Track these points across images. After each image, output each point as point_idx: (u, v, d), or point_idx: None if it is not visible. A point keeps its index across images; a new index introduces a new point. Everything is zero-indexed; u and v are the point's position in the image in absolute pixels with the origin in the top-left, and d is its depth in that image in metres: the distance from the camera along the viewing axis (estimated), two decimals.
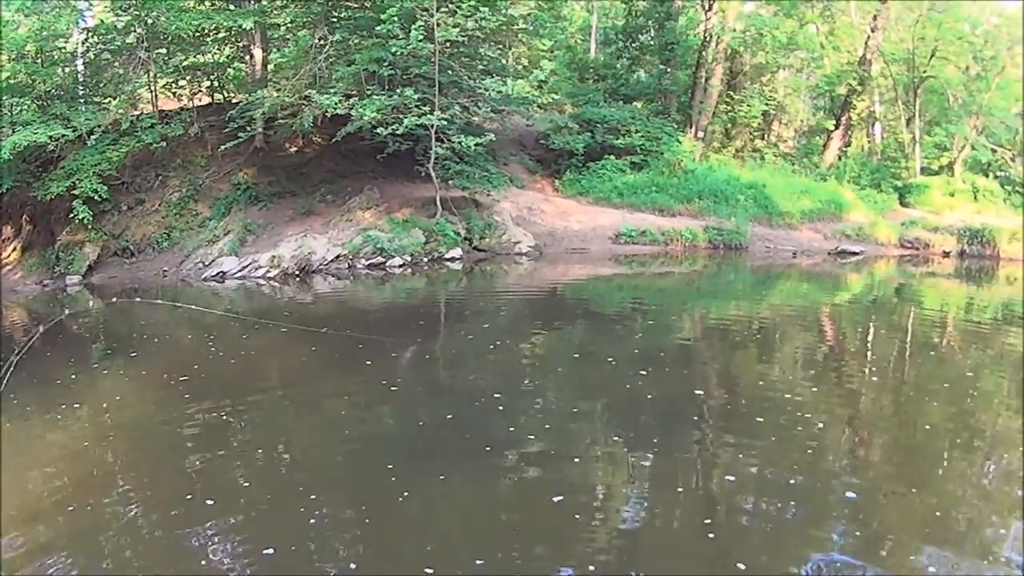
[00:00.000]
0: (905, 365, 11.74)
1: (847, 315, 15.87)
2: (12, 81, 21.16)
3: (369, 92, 19.74)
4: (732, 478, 7.36)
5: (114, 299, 17.95)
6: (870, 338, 13.69)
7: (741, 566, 5.78)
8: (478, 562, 5.93)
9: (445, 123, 19.53)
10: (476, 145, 19.65)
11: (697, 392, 10.04)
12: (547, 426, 8.75)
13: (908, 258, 23.15)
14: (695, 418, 9.03)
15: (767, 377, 10.88)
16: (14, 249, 21.85)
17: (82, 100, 22.74)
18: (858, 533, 6.20)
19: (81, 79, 23.37)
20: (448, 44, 19.72)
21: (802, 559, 5.93)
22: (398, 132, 19.15)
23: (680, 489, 7.16)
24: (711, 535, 6.37)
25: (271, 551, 6.23)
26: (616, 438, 8.54)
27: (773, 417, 8.75)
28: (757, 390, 10.16)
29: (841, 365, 11.74)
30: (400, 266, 19.58)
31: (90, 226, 20.16)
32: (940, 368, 11.36)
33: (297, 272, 18.85)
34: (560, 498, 6.88)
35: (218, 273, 18.90)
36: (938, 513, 6.46)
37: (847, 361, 12.04)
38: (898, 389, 10.43)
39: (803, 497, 6.84)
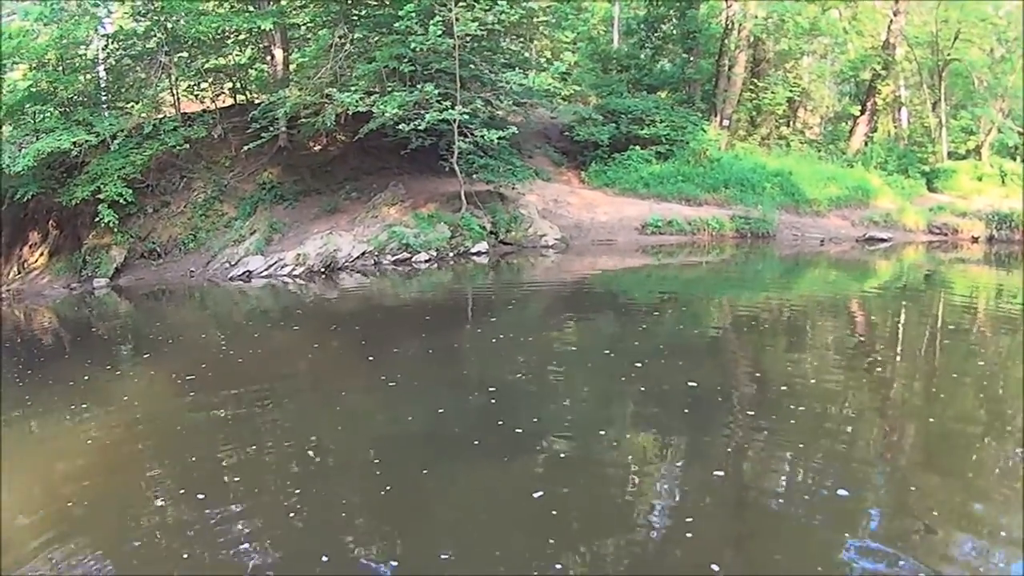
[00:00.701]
0: (936, 352, 11.54)
1: (876, 303, 15.66)
2: (34, 89, 21.31)
3: (390, 88, 19.72)
4: (763, 465, 7.35)
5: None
6: (900, 326, 13.51)
7: (777, 556, 5.78)
8: (507, 551, 5.94)
9: (467, 117, 19.44)
10: (499, 139, 19.56)
11: (728, 381, 10.03)
12: (577, 417, 8.71)
13: (937, 244, 22.85)
14: (726, 407, 8.96)
15: (797, 365, 10.79)
16: (41, 254, 22.01)
17: (104, 106, 22.90)
18: (890, 522, 6.16)
19: (103, 85, 23.49)
20: (468, 38, 19.59)
21: (836, 545, 5.86)
22: (420, 128, 19.08)
23: (711, 476, 7.10)
24: (743, 521, 6.38)
25: (298, 539, 6.29)
26: (647, 427, 8.52)
27: (804, 405, 8.67)
28: (787, 378, 10.03)
29: (871, 353, 11.54)
30: (426, 261, 19.53)
31: (116, 229, 20.28)
32: (971, 355, 11.13)
33: (323, 269, 18.84)
34: (591, 488, 6.89)
35: (244, 272, 18.94)
36: (970, 503, 6.36)
37: (877, 349, 11.86)
38: (929, 377, 10.23)
39: (835, 485, 6.74)
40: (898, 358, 11.24)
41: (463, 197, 20.84)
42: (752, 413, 8.75)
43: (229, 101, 25.25)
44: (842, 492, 6.60)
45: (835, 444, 7.70)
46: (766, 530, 6.23)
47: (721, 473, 7.15)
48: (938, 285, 17.74)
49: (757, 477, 7.14)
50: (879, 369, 10.69)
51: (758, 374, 10.50)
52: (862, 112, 31.10)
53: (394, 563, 5.93)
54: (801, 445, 7.65)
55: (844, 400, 9.13)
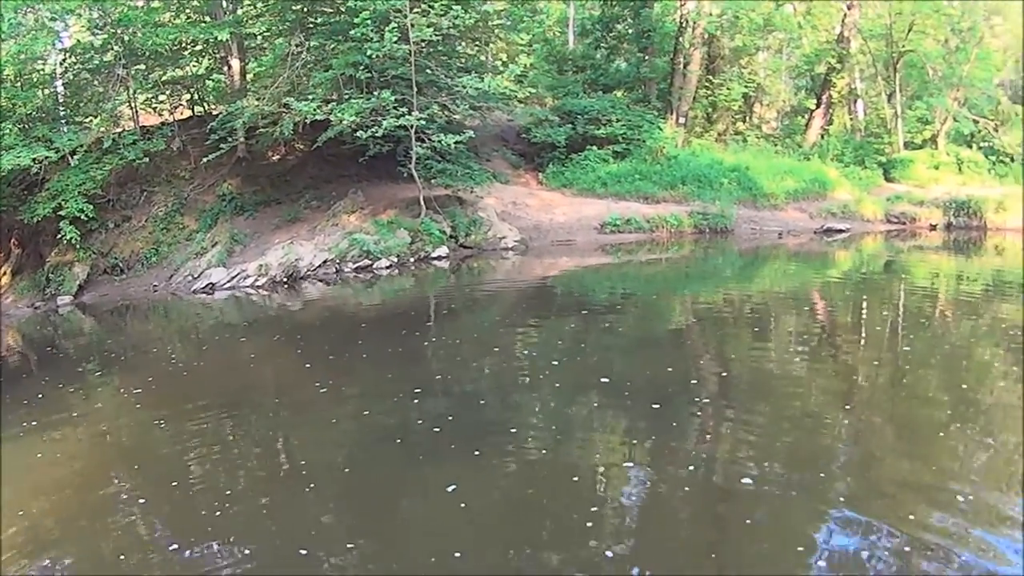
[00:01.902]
0: (898, 339, 11.81)
1: (837, 292, 15.94)
2: None
3: (347, 96, 19.82)
4: (733, 453, 7.52)
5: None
6: (862, 314, 13.79)
7: (753, 536, 5.99)
8: (478, 551, 6.07)
9: (424, 123, 19.54)
10: (456, 143, 19.66)
11: (693, 374, 10.19)
12: (544, 416, 8.87)
13: (895, 233, 23.22)
14: (693, 400, 9.11)
15: (761, 357, 11.00)
16: (4, 273, 21.83)
17: (63, 121, 22.70)
18: (863, 501, 6.35)
19: (61, 100, 23.36)
20: (424, 44, 19.72)
21: (812, 518, 6.13)
22: (378, 134, 19.16)
23: (682, 465, 7.26)
24: (719, 505, 6.59)
25: (269, 542, 6.46)
26: (614, 423, 8.66)
27: (770, 395, 8.94)
28: (752, 370, 10.27)
29: (835, 341, 11.83)
30: (387, 267, 19.59)
31: (78, 246, 20.17)
32: (933, 341, 11.42)
33: (285, 279, 18.87)
34: (563, 485, 7.02)
35: (207, 285, 18.93)
36: (940, 482, 6.58)
37: (840, 338, 12.14)
38: (893, 363, 10.49)
39: (804, 468, 6.97)
40: (861, 346, 11.52)
41: (422, 202, 20.93)
42: (719, 404, 8.93)
43: (187, 113, 25.17)
44: (812, 474, 6.84)
45: (801, 430, 7.91)
46: (740, 512, 6.39)
47: (692, 462, 7.33)
48: (898, 273, 18.08)
49: (728, 464, 7.27)
50: (843, 357, 10.96)
51: (723, 366, 10.69)
52: (818, 105, 31.52)
53: (369, 564, 6.09)
54: (770, 432, 7.86)
55: (810, 388, 9.36)
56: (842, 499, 6.44)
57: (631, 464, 7.56)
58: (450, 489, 7.07)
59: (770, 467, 7.09)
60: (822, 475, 6.89)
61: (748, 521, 6.26)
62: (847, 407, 8.78)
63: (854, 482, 6.80)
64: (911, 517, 6.00)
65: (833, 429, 8.05)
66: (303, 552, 6.19)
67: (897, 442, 7.63)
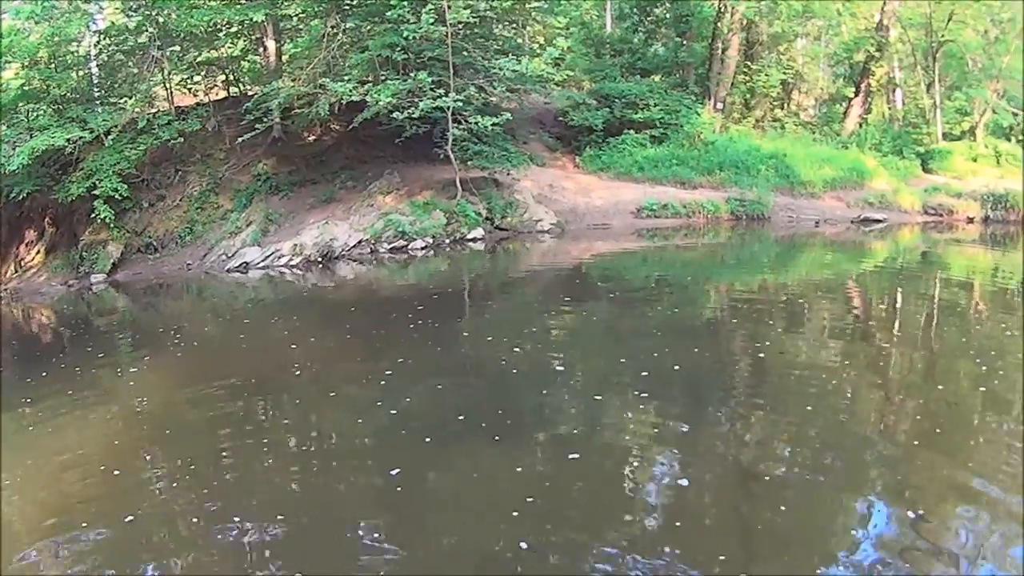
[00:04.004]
0: (933, 332, 11.59)
1: (873, 283, 15.69)
2: (27, 88, 21.29)
3: (384, 77, 19.69)
4: (763, 440, 7.45)
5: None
6: (897, 305, 13.56)
7: (780, 520, 5.93)
8: (508, 532, 5.97)
9: (461, 104, 19.40)
10: (493, 125, 19.50)
11: (726, 363, 10.07)
12: (577, 399, 8.80)
13: (932, 225, 22.84)
14: (726, 388, 9.03)
15: (796, 346, 10.81)
16: (38, 252, 21.99)
17: (98, 102, 22.81)
18: (892, 494, 6.26)
19: (95, 81, 23.43)
20: (460, 26, 19.59)
21: (840, 508, 6.02)
22: (414, 116, 19.07)
23: (715, 452, 7.23)
24: (749, 491, 6.48)
25: (297, 519, 6.39)
26: (647, 410, 8.50)
27: (803, 385, 8.78)
28: (786, 359, 10.08)
29: (869, 333, 11.60)
30: (422, 248, 19.53)
31: (112, 225, 20.28)
32: (968, 334, 11.20)
33: (320, 259, 18.84)
34: (593, 469, 6.96)
35: (241, 264, 18.94)
36: (971, 478, 6.41)
37: (875, 329, 11.91)
38: (927, 356, 10.31)
39: (836, 462, 6.86)
40: (895, 337, 11.28)
41: (458, 184, 20.82)
42: (751, 391, 8.87)
43: (222, 94, 25.17)
44: (842, 464, 6.74)
45: (834, 421, 7.76)
46: (770, 499, 6.32)
47: (723, 448, 7.28)
48: (934, 265, 17.77)
49: (759, 451, 7.21)
50: (877, 348, 10.74)
51: (756, 354, 10.48)
52: (856, 94, 31.06)
53: (394, 545, 6.00)
54: (801, 421, 7.75)
55: (842, 378, 9.17)
56: (871, 491, 6.38)
57: (662, 448, 7.48)
58: (479, 470, 7.06)
59: (801, 455, 7.03)
60: (852, 465, 6.81)
61: (779, 508, 6.19)
62: (879, 398, 8.66)
63: (883, 474, 6.69)
64: (938, 513, 5.93)
65: (864, 419, 7.96)
66: (332, 528, 6.22)
67: (927, 435, 7.45)
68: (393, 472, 7.13)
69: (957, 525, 5.79)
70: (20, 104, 21.37)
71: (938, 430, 7.54)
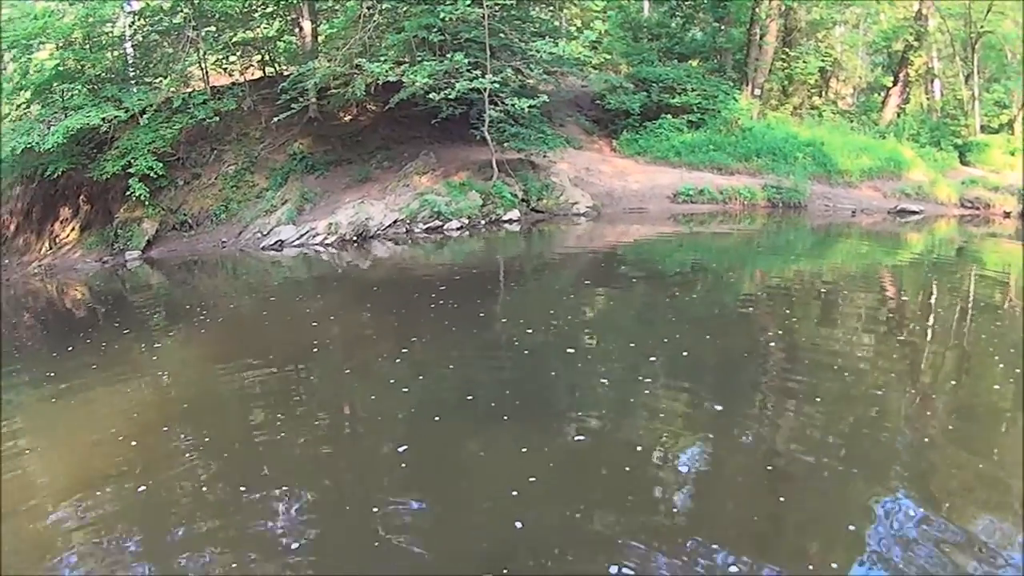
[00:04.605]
0: (966, 327, 11.33)
1: (908, 275, 15.39)
2: (61, 68, 21.37)
3: (420, 58, 19.63)
4: (793, 429, 7.37)
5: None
6: (932, 299, 13.29)
7: (807, 508, 5.93)
8: (539, 511, 5.98)
9: (498, 86, 19.28)
10: (530, 107, 19.35)
11: (759, 351, 9.91)
12: (609, 384, 8.72)
13: (968, 218, 22.45)
14: (757, 376, 8.95)
15: (829, 336, 10.67)
16: (72, 229, 22.13)
17: (133, 81, 22.96)
18: (918, 489, 6.19)
19: (130, 61, 23.58)
20: (497, 7, 19.45)
21: (867, 502, 5.93)
22: (451, 97, 18.95)
23: (744, 439, 7.20)
24: (776, 480, 6.42)
25: (333, 499, 6.45)
26: (678, 396, 8.43)
27: (834, 376, 8.63)
28: (819, 349, 9.92)
29: (903, 326, 11.38)
30: (458, 229, 19.48)
31: (147, 202, 20.41)
32: (1001, 330, 10.90)
33: (355, 238, 18.83)
34: (623, 453, 6.90)
35: (276, 242, 18.97)
36: (995, 477, 6.31)
37: (909, 322, 11.68)
38: (960, 351, 10.11)
39: (863, 456, 6.75)
40: (929, 331, 11.09)
41: (494, 165, 20.74)
42: (783, 379, 8.78)
43: (258, 74, 25.28)
44: (870, 456, 6.67)
45: (864, 412, 7.68)
46: (797, 489, 6.28)
47: (752, 436, 7.25)
48: (970, 259, 17.47)
49: (788, 441, 7.16)
50: (910, 341, 10.55)
51: (789, 343, 10.36)
52: (894, 83, 30.67)
53: (429, 516, 6.09)
54: (831, 411, 7.67)
55: (874, 370, 9.06)
56: (898, 484, 6.28)
57: (692, 435, 7.44)
58: (510, 449, 7.03)
59: (830, 446, 6.95)
60: (881, 457, 6.71)
61: (803, 499, 6.17)
62: (910, 391, 8.50)
63: (911, 468, 6.60)
64: (963, 511, 5.83)
65: (895, 412, 7.82)
66: (363, 501, 6.26)
67: (957, 430, 7.31)
68: (401, 449, 7.19)
69: (984, 519, 5.71)
70: (55, 84, 21.48)
71: (968, 425, 7.42)
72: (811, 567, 5.19)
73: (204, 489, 6.66)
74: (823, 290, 13.81)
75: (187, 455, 7.33)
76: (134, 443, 7.60)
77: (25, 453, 7.76)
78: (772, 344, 10.27)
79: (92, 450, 7.60)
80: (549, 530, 5.75)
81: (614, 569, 5.22)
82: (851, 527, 5.64)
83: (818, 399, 7.95)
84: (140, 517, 6.25)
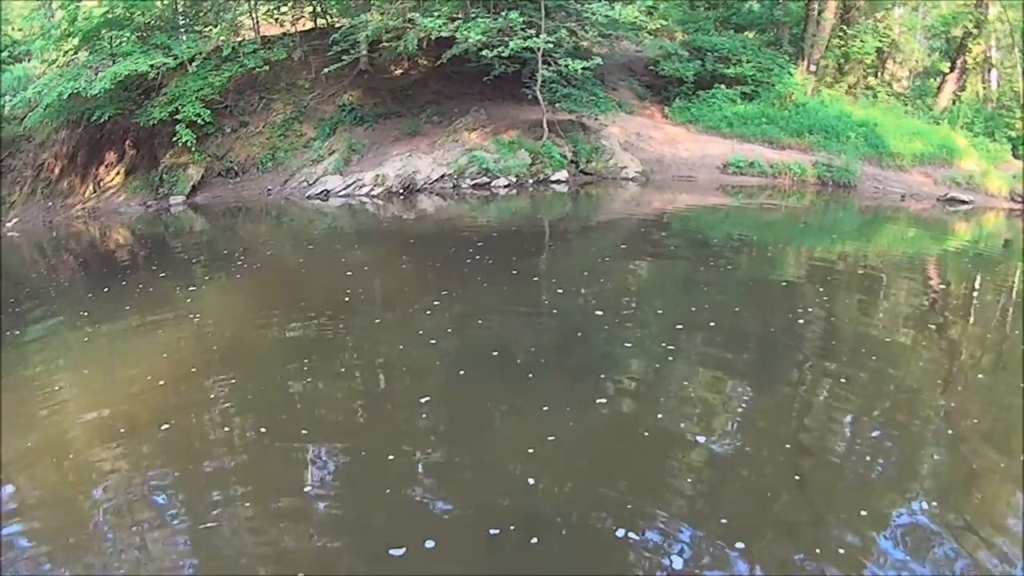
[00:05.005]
0: (1007, 322, 11.05)
1: (953, 265, 15.05)
2: (110, 16, 21.30)
3: (474, 15, 19.44)
4: (825, 416, 7.28)
5: None
6: (975, 291, 12.97)
7: (826, 504, 5.82)
8: (560, 478, 6.01)
9: (551, 46, 19.10)
10: (583, 69, 19.12)
11: (797, 331, 9.75)
12: (645, 354, 8.68)
13: (1017, 212, 21.91)
14: (793, 357, 8.86)
15: (868, 321, 10.51)
16: (117, 173, 22.24)
17: (182, 29, 22.94)
18: (945, 485, 6.13)
19: (180, 9, 23.51)
20: None
21: (891, 496, 5.88)
22: (504, 55, 18.75)
23: (775, 422, 7.14)
24: (801, 465, 6.39)
25: (364, 451, 6.53)
26: (713, 371, 8.32)
27: (871, 362, 8.49)
28: (857, 333, 9.79)
29: (944, 315, 11.14)
30: (505, 186, 19.35)
31: (193, 148, 20.47)
32: None
33: (401, 191, 18.77)
34: (651, 426, 6.87)
35: (322, 191, 18.95)
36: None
37: (950, 312, 11.44)
38: (998, 346, 9.83)
39: (894, 442, 6.71)
40: (970, 324, 10.85)
41: (545, 125, 20.55)
42: (819, 364, 8.66)
43: (309, 25, 25.21)
44: (900, 450, 6.62)
45: (898, 403, 7.57)
46: (823, 475, 6.26)
47: (784, 419, 7.19)
48: (1016, 254, 17.11)
49: (819, 427, 7.07)
50: (949, 332, 10.36)
51: (828, 326, 10.18)
52: (951, 69, 30.08)
53: (453, 474, 6.17)
54: (865, 400, 7.55)
55: (912, 360, 8.92)
56: (925, 480, 6.21)
57: (716, 407, 7.40)
58: (532, 407, 7.06)
59: (861, 436, 6.86)
60: (911, 452, 6.62)
61: (830, 488, 6.09)
62: (946, 384, 8.32)
63: (940, 464, 6.51)
64: (988, 513, 5.74)
65: (929, 405, 7.66)
66: (382, 449, 6.37)
67: (992, 425, 7.17)
68: (423, 400, 7.25)
69: (1011, 516, 5.60)
70: (103, 31, 21.47)
71: (1002, 420, 7.26)
72: (839, 551, 5.14)
73: (231, 431, 6.78)
74: (867, 273, 13.55)
75: (216, 398, 7.46)
76: (163, 385, 7.71)
77: (59, 389, 7.91)
78: (811, 326, 10.09)
79: (123, 392, 7.71)
80: (561, 490, 5.81)
81: (620, 532, 5.24)
82: (874, 515, 5.58)
83: (854, 384, 7.86)
84: (168, 454, 6.38)
